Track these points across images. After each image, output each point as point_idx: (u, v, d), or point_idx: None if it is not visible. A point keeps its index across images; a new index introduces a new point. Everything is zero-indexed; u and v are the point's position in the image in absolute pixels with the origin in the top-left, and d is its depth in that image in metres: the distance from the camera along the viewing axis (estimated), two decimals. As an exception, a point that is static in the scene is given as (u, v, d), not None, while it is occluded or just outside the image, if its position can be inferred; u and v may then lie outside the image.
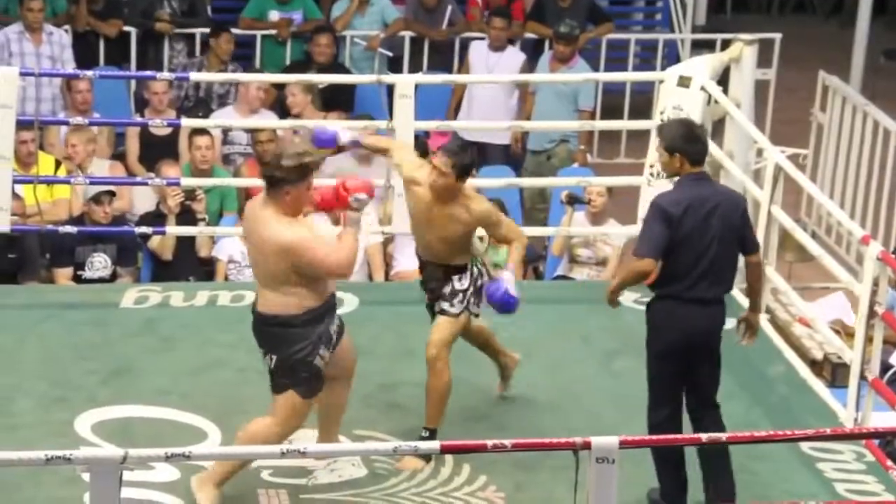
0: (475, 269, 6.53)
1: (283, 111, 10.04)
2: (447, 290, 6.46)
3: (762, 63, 9.39)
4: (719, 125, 8.36)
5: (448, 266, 6.47)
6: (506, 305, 6.37)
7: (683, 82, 8.00)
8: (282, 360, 5.89)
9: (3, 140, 7.76)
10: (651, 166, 8.09)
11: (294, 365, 5.88)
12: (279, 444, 5.88)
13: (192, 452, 5.10)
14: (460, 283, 6.47)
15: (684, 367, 5.97)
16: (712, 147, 8.05)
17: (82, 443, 6.37)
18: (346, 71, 10.71)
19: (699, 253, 5.88)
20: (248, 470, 6.19)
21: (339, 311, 7.88)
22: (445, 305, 6.46)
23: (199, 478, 6.00)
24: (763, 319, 7.73)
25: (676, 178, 5.99)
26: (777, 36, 11.89)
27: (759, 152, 8.21)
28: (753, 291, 6.21)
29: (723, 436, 5.65)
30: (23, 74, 7.99)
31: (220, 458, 5.99)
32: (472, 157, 6.35)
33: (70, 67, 10.11)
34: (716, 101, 8.04)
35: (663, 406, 5.98)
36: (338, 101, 10.42)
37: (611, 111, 11.25)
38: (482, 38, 10.88)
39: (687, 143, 5.94)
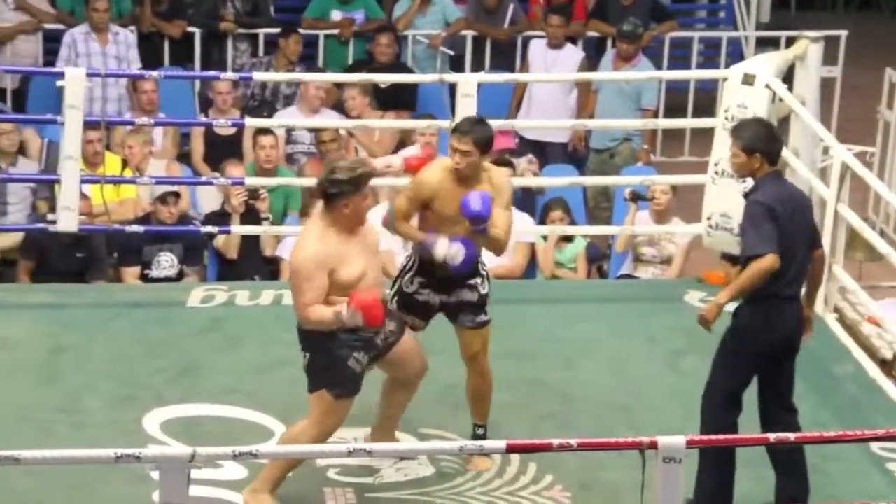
0: (482, 268, 6.31)
1: (344, 111, 10.07)
2: (473, 298, 6.23)
3: (828, 60, 9.31)
4: (784, 123, 8.30)
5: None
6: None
7: (748, 80, 7.95)
8: (314, 359, 5.90)
9: (71, 141, 7.82)
10: (716, 164, 8.04)
11: (327, 365, 5.88)
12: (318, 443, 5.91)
13: (259, 451, 5.13)
14: (483, 287, 6.26)
15: (773, 367, 5.94)
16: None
17: (151, 441, 6.42)
18: (409, 70, 10.73)
19: (793, 251, 5.87)
20: (314, 468, 6.22)
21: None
22: (482, 317, 6.25)
23: (251, 490, 6.01)
24: (831, 319, 7.70)
25: (754, 178, 5.94)
26: (843, 33, 11.79)
27: (826, 150, 8.15)
28: (815, 286, 6.16)
29: (791, 436, 5.61)
30: (90, 75, 8.04)
31: (286, 457, 6.01)
32: (489, 128, 6.18)
33: (136, 67, 10.18)
34: (780, 99, 7.98)
35: (737, 408, 5.94)
36: (400, 100, 10.44)
37: (674, 109, 11.20)
38: (542, 37, 10.87)
39: (768, 142, 5.93)
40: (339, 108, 10.14)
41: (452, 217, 6.15)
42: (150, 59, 10.47)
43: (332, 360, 5.86)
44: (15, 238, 8.68)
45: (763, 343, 5.89)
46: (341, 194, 5.80)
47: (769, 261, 5.77)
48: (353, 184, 5.79)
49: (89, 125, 8.22)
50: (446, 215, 6.17)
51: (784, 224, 5.83)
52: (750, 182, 6.01)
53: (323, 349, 5.85)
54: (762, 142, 5.91)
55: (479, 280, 6.26)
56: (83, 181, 8.03)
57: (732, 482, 5.98)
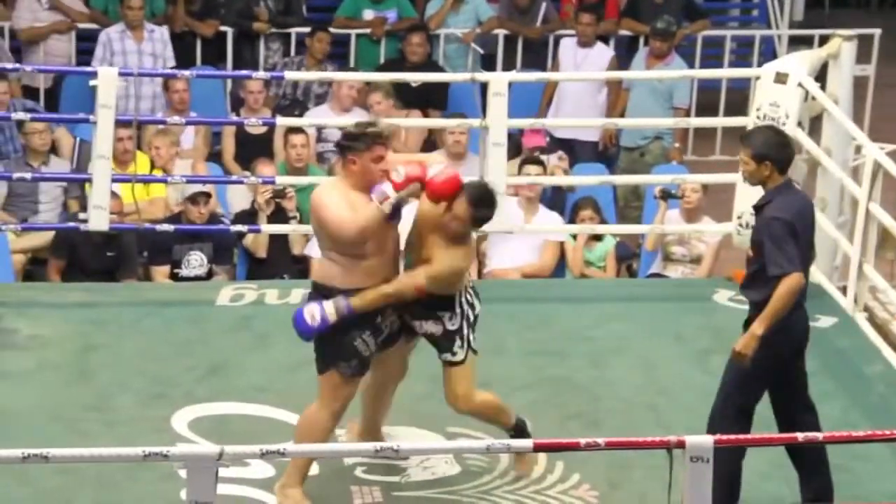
0: (464, 303, 5.98)
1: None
2: (437, 331, 5.97)
3: (861, 59, 9.26)
4: (817, 122, 8.27)
5: (432, 298, 5.94)
6: (297, 323, 5.88)
7: (780, 79, 7.92)
8: (322, 339, 5.90)
9: (103, 140, 7.85)
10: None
11: (335, 345, 5.89)
12: (329, 426, 5.95)
13: (287, 449, 5.14)
14: (451, 323, 5.95)
15: (784, 372, 5.91)
16: (810, 144, 7.99)
17: (179, 439, 6.43)
18: (440, 69, 10.73)
19: (809, 259, 5.86)
20: (342, 467, 6.23)
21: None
22: (447, 356, 5.96)
23: (280, 486, 6.02)
24: (861, 318, 7.66)
25: (764, 187, 5.85)
26: (876, 31, 11.73)
27: (858, 149, 8.10)
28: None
29: (820, 435, 5.59)
30: (122, 74, 8.07)
31: (314, 456, 6.02)
32: (491, 209, 5.88)
33: (171, 64, 10.23)
34: (813, 98, 7.95)
35: (749, 422, 5.89)
36: (431, 99, 10.45)
37: (706, 108, 11.17)
38: (573, 36, 10.85)
39: (779, 150, 5.83)
40: (367, 109, 10.15)
41: (412, 242, 5.95)
42: (183, 58, 10.51)
43: (340, 340, 5.88)
44: (46, 237, 8.72)
45: (776, 354, 5.83)
46: (349, 149, 5.82)
47: (797, 281, 5.71)
48: (360, 139, 5.80)
49: (121, 124, 8.25)
50: (411, 238, 5.95)
51: (802, 239, 5.79)
52: (759, 190, 5.91)
53: (331, 329, 5.87)
54: (773, 149, 5.81)
55: (448, 314, 5.97)
56: (114, 180, 8.07)
57: (739, 485, 5.94)
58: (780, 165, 5.82)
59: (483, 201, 5.87)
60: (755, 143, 5.85)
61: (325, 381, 5.96)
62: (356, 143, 5.81)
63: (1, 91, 9.40)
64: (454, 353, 5.99)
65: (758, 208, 5.89)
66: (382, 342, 6.01)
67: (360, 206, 5.79)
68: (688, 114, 10.34)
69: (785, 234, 5.72)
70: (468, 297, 6.01)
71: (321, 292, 5.90)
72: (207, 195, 8.68)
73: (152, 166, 9.15)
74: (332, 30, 10.87)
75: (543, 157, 9.52)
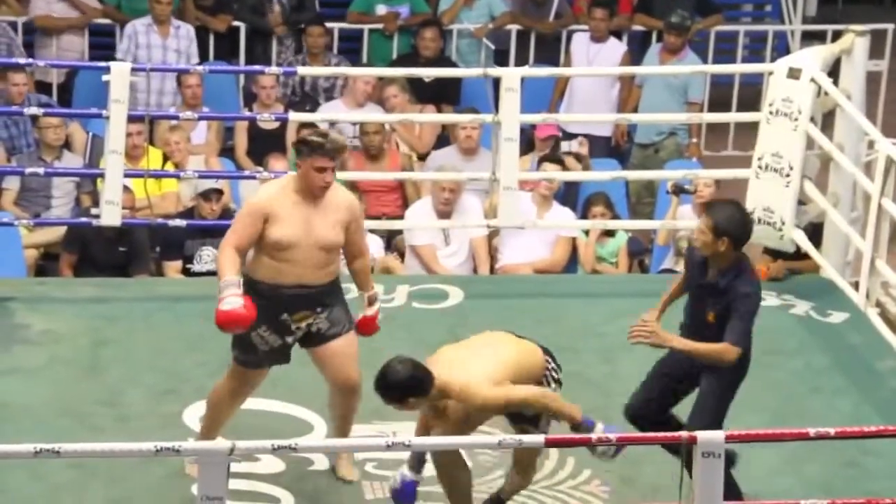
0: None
1: (386, 110, 10.08)
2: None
3: (874, 54, 9.24)
4: (829, 117, 8.26)
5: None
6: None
7: (793, 74, 7.91)
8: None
9: (115, 135, 7.86)
10: (759, 159, 8.01)
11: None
12: (222, 400, 6.04)
13: (298, 444, 5.14)
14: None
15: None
16: (823, 139, 7.98)
17: (191, 434, 6.44)
18: (453, 64, 10.73)
19: None
20: (353, 461, 6.23)
21: (444, 304, 7.94)
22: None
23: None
24: (873, 313, 7.64)
25: (722, 262, 5.78)
26: (889, 26, 11.71)
27: (871, 144, 8.09)
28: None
29: (832, 430, 5.57)
30: (135, 70, 8.08)
31: (326, 451, 6.03)
32: None
33: (195, 61, 10.22)
34: (826, 93, 7.94)
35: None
36: (444, 94, 10.44)
37: (719, 103, 11.14)
38: (585, 31, 10.84)
39: (740, 228, 5.81)
40: (383, 103, 10.15)
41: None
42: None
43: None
44: (58, 232, 8.73)
45: (746, 369, 5.88)
46: (297, 152, 5.96)
47: (735, 356, 5.73)
48: (304, 144, 5.91)
49: (133, 119, 8.27)
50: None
51: None
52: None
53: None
54: (734, 227, 5.77)
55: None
56: (127, 175, 8.07)
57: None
58: (737, 243, 5.81)
59: None
60: (718, 218, 5.79)
61: (232, 360, 6.10)
62: (301, 147, 5.93)
63: (21, 83, 9.43)
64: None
65: (721, 286, 5.79)
66: (293, 342, 6.02)
67: (284, 219, 5.86)
68: (701, 109, 10.33)
69: (753, 312, 5.78)
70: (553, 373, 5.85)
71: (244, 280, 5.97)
72: (220, 192, 8.68)
73: (165, 161, 9.16)
74: (344, 25, 10.88)
75: (565, 143, 9.51)
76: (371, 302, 6.15)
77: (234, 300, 5.81)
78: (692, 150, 10.15)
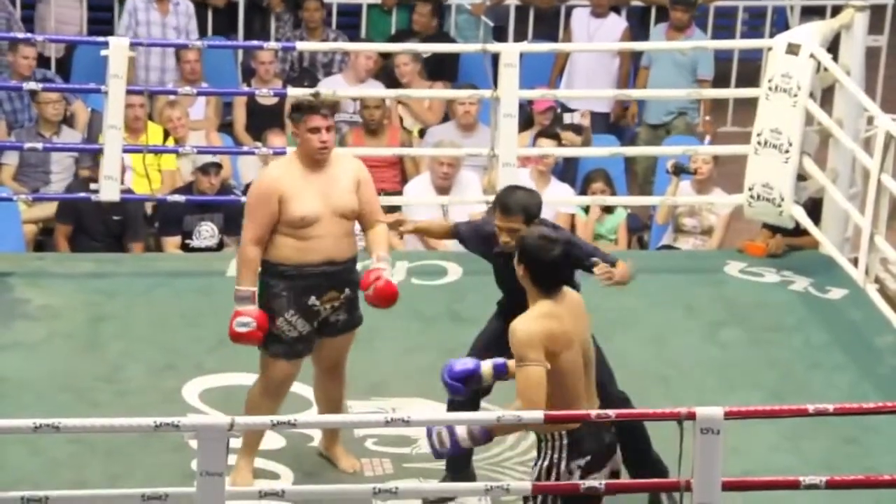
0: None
1: (389, 80, 10.06)
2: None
3: (873, 29, 9.22)
4: (829, 93, 8.24)
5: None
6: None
7: (792, 49, 7.89)
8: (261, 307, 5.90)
9: (114, 110, 7.84)
10: (758, 134, 8.00)
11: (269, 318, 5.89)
12: (261, 403, 5.92)
13: (297, 420, 5.14)
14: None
15: None
16: (822, 115, 7.96)
17: (190, 410, 6.45)
18: (451, 40, 10.70)
19: None
20: (352, 439, 6.24)
21: (443, 281, 7.93)
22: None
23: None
24: (872, 290, 7.64)
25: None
26: (889, 2, 11.68)
27: (870, 120, 8.08)
28: None
29: (831, 407, 5.57)
30: (133, 44, 8.05)
31: (324, 427, 6.03)
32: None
33: (194, 38, 10.19)
34: (825, 69, 7.92)
35: None
36: (442, 70, 10.41)
37: (718, 79, 11.07)
38: (585, 6, 10.81)
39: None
40: (382, 77, 10.13)
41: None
42: (194, 29, 10.49)
43: (269, 315, 5.88)
44: (55, 207, 8.71)
45: None
46: (292, 120, 5.94)
47: None
48: (297, 110, 5.88)
49: (132, 93, 8.24)
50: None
51: None
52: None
53: (262, 298, 5.86)
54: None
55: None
56: (125, 150, 8.06)
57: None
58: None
59: None
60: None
61: (261, 357, 6.01)
62: (295, 114, 5.89)
63: (31, 56, 9.42)
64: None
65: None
66: (320, 325, 5.96)
67: (297, 195, 5.79)
68: (711, 86, 10.26)
69: None
70: None
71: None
72: (219, 166, 8.67)
73: (166, 136, 9.15)
74: (343, 0, 10.85)
75: (567, 116, 9.47)
76: (380, 259, 6.01)
77: (247, 320, 5.81)
78: (706, 126, 10.09)
